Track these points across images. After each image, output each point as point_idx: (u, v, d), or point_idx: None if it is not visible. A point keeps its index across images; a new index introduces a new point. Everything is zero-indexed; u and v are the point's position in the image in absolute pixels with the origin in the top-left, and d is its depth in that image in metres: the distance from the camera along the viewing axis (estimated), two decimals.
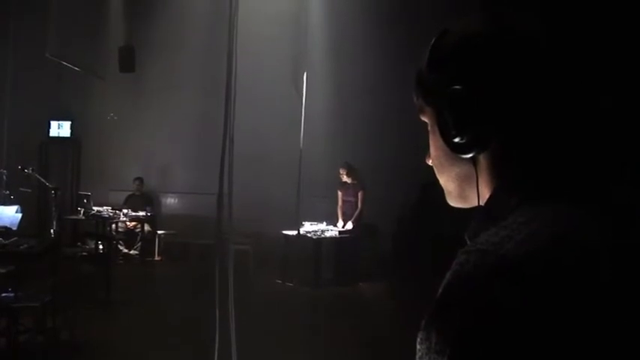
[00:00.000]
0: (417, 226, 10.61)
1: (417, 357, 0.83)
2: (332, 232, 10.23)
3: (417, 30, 10.55)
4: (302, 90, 10.49)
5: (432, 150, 1.07)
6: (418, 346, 0.82)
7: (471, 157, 0.97)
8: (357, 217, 10.32)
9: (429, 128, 1.06)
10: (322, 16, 11.07)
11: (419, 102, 1.07)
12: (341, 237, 10.18)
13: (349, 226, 10.31)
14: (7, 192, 9.24)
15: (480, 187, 0.99)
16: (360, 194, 10.29)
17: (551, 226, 0.84)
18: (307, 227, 10.14)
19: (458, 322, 0.78)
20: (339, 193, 10.49)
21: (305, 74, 10.54)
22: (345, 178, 10.33)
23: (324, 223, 10.39)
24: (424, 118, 1.08)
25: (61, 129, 13.12)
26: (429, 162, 1.10)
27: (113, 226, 11.01)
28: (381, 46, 10.47)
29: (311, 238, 9.95)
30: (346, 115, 10.91)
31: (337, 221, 10.50)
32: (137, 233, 11.34)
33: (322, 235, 10.07)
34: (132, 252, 11.17)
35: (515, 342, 0.75)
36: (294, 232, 10.00)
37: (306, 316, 7.82)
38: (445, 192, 1.09)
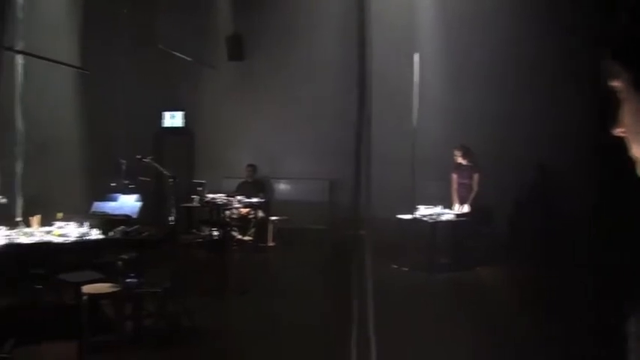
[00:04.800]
0: (534, 209, 10.24)
1: (634, 338, 0.77)
2: (447, 215, 9.97)
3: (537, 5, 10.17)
4: (415, 70, 10.28)
5: (627, 117, 0.97)
6: (633, 329, 0.77)
7: None
8: (473, 199, 10.03)
9: (623, 94, 0.97)
10: None
11: (613, 66, 0.97)
12: (457, 221, 9.91)
13: (465, 209, 10.03)
14: (127, 181, 9.53)
15: None
16: (475, 176, 10.00)
17: None
18: (422, 211, 9.91)
19: None
20: (454, 176, 10.22)
21: (418, 54, 10.32)
22: (460, 160, 10.06)
23: (440, 206, 10.13)
24: (616, 83, 0.98)
25: (173, 119, 13.49)
26: (617, 132, 1.00)
27: (227, 212, 11.18)
28: (498, 23, 10.10)
29: (426, 221, 9.74)
30: (462, 95, 10.61)
31: (452, 204, 10.23)
32: (250, 219, 11.46)
33: (438, 219, 9.83)
34: (246, 238, 11.30)
35: None
36: (409, 216, 9.81)
37: (421, 301, 7.66)
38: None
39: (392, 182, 10.25)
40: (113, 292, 5.73)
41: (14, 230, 6.46)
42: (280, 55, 12.01)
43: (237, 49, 12.09)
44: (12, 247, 6.04)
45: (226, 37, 12.09)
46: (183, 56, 11.51)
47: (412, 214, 9.81)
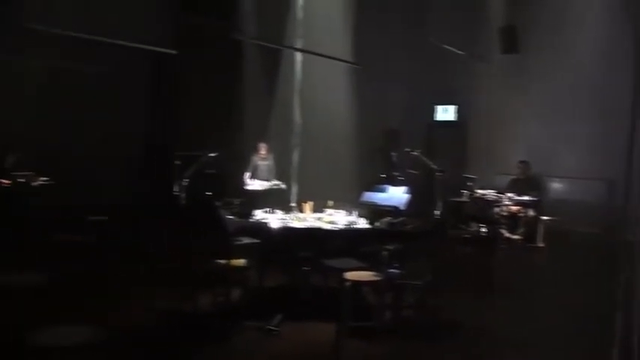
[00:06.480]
0: None
1: None
2: None
3: None
4: None
5: None
6: None
7: None
8: None
9: None
10: None
11: None
12: None
13: None
14: (397, 173, 9.71)
15: None
16: None
17: None
18: None
19: None
20: None
21: None
22: None
23: None
24: None
25: (446, 113, 13.50)
26: None
27: (497, 209, 10.88)
28: None
29: None
30: None
31: None
32: (520, 218, 11.03)
33: None
34: (514, 237, 10.91)
35: None
36: None
37: None
38: None
39: None
40: (375, 281, 5.84)
41: (288, 215, 6.89)
42: (555, 47, 11.36)
43: (511, 41, 11.70)
44: (285, 231, 6.43)
45: (499, 28, 11.76)
46: (456, 50, 11.42)
47: None
